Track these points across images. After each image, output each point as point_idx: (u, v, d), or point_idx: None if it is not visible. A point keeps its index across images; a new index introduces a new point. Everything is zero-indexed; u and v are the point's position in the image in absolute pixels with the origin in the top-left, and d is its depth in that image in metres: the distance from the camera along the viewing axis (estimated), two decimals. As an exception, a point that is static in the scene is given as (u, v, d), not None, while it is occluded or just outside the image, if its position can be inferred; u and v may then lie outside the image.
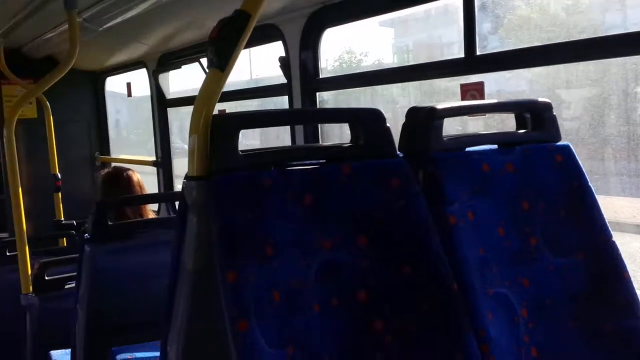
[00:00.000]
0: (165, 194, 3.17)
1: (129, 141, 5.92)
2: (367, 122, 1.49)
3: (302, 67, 2.89)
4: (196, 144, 1.41)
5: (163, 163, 4.46)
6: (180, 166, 4.61)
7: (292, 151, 1.55)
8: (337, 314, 1.33)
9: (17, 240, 3.17)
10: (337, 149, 1.50)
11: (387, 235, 1.41)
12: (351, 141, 1.52)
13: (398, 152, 1.54)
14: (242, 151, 1.45)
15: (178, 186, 4.58)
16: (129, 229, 2.44)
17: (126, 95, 5.53)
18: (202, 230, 1.45)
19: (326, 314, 1.32)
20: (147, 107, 5.06)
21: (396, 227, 1.42)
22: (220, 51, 1.40)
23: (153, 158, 4.69)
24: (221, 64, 1.41)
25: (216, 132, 1.40)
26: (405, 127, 1.58)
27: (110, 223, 2.38)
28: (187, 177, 1.44)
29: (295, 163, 1.48)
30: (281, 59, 2.99)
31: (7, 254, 3.88)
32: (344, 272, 1.37)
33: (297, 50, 2.90)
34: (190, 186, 1.41)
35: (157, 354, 2.13)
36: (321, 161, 1.49)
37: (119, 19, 3.39)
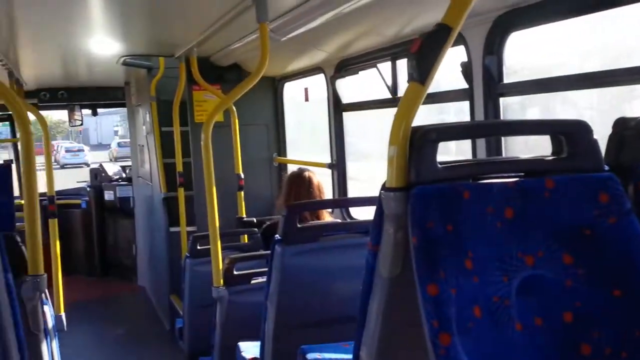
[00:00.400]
0: (352, 199, 3.24)
1: (298, 144, 6.15)
2: (572, 134, 1.43)
3: (485, 72, 2.83)
4: (395, 155, 1.44)
5: (338, 166, 4.59)
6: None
7: (492, 164, 1.53)
8: (541, 333, 1.30)
9: (211, 236, 3.42)
10: (538, 162, 1.46)
11: (595, 254, 1.34)
12: (552, 154, 1.47)
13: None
14: (440, 163, 1.46)
15: (349, 189, 4.68)
16: (317, 232, 2.56)
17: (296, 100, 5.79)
18: (399, 240, 1.47)
19: (529, 333, 1.29)
20: (317, 110, 5.23)
21: (605, 246, 1.35)
22: (420, 65, 1.43)
23: (327, 160, 4.83)
24: (422, 77, 1.43)
25: (415, 144, 1.42)
26: (612, 138, 1.50)
27: (298, 225, 2.51)
28: (385, 187, 1.48)
29: (492, 175, 1.46)
30: (463, 64, 2.95)
31: (198, 247, 4.21)
32: (547, 290, 1.33)
33: (480, 55, 2.85)
34: (388, 196, 1.45)
35: (345, 356, 2.21)
36: (519, 174, 1.46)
37: (302, 29, 3.54)
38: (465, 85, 3.00)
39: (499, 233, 1.35)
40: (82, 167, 29.63)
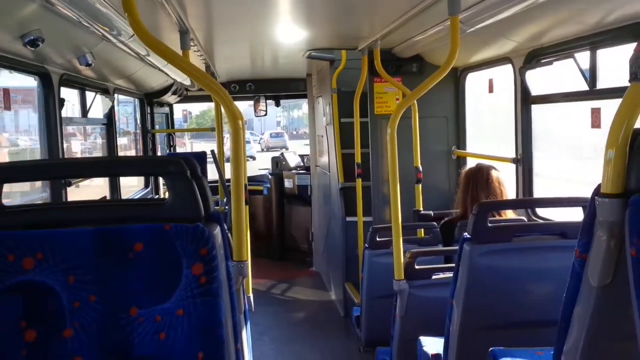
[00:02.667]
0: (550, 200, 3.05)
1: (477, 136, 5.97)
2: None
3: None
4: (613, 159, 1.36)
5: (523, 161, 4.39)
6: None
7: None
8: None
9: (394, 229, 3.44)
10: None
11: None
12: None
13: None
14: (665, 168, 1.35)
15: (536, 187, 4.45)
16: (509, 232, 2.47)
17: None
18: (612, 249, 1.40)
19: None
20: (500, 103, 5.01)
21: None
22: (647, 64, 1.32)
23: (510, 155, 4.65)
24: (648, 77, 1.33)
25: (637, 148, 1.33)
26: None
27: (489, 225, 2.44)
28: (599, 192, 1.40)
29: None
30: None
31: (377, 239, 4.26)
32: None
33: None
34: (603, 203, 1.37)
35: (540, 363, 2.12)
36: None
37: (492, 20, 3.42)
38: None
39: None
40: (247, 160, 29.72)
